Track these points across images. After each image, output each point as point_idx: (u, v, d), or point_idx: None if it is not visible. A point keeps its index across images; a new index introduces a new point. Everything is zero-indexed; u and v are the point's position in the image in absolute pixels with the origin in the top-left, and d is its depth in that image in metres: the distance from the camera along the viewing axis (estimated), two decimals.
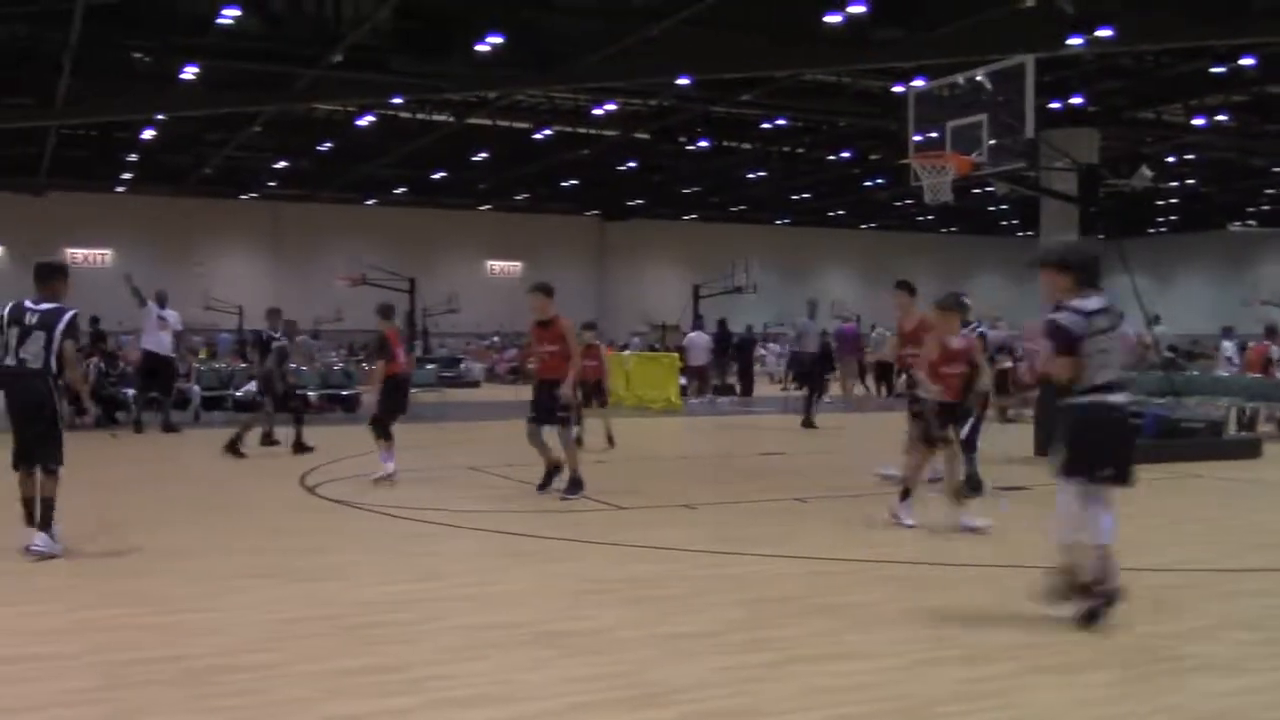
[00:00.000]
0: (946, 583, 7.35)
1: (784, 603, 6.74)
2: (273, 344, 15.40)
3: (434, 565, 7.89)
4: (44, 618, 6.34)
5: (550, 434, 10.97)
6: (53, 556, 7.76)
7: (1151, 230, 55.24)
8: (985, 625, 6.23)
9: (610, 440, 15.90)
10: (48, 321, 7.92)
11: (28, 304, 8.02)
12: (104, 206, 44.92)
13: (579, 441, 16.01)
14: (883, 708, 4.84)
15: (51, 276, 8.28)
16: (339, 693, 5.00)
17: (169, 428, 17.64)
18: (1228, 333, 26.21)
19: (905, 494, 9.53)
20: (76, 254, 44.97)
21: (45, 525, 7.88)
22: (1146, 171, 25.78)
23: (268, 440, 15.42)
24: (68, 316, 8.02)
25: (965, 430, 11.16)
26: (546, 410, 10.83)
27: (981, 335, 11.36)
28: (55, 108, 25.87)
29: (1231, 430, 17.17)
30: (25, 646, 5.74)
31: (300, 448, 14.73)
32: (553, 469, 11.06)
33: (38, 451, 7.93)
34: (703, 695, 4.98)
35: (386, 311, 13.00)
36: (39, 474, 7.94)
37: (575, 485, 10.87)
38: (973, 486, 11.11)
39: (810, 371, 20.96)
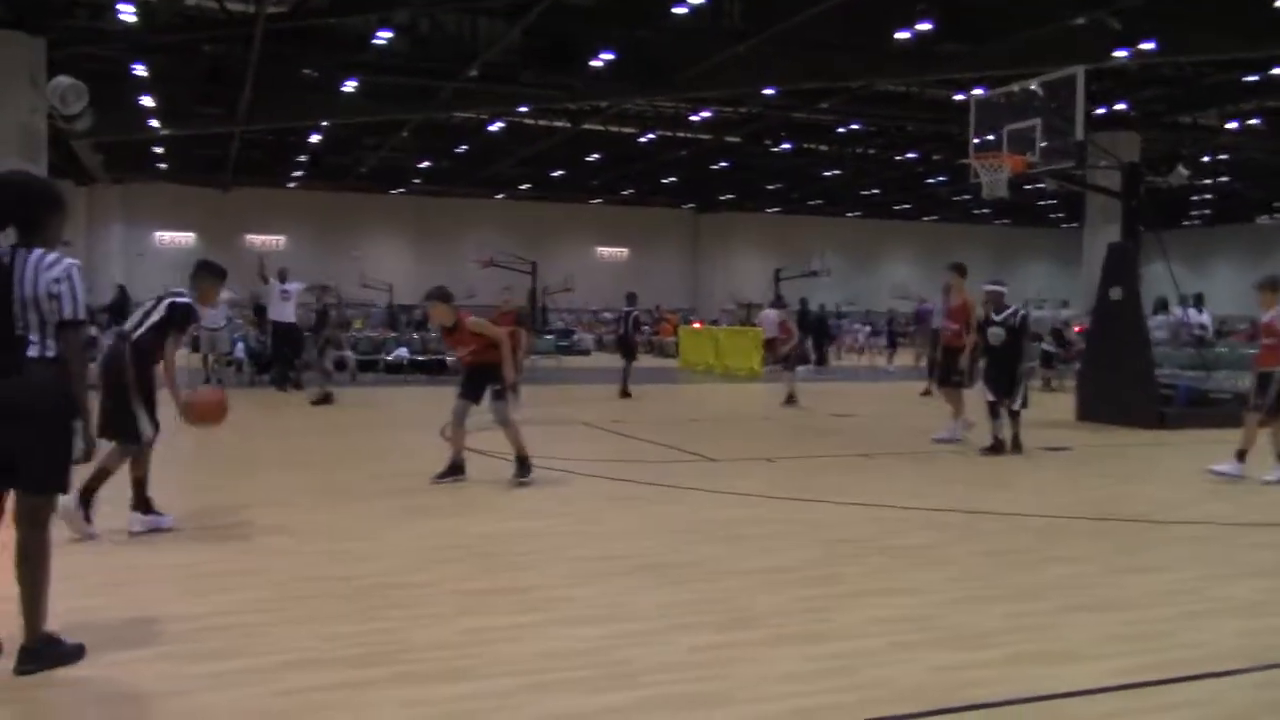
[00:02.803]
0: (994, 530, 7.26)
1: (852, 544, 6.72)
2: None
3: (552, 505, 8.00)
4: (234, 541, 6.60)
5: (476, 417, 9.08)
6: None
7: (1187, 223, 53.34)
8: (1027, 566, 6.15)
9: (792, 398, 16.21)
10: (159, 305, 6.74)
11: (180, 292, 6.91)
12: (278, 200, 45.96)
13: (792, 399, 16.22)
14: (937, 636, 4.81)
15: (196, 275, 7.13)
16: (475, 609, 5.13)
17: (295, 385, 17.68)
18: None
19: (1241, 454, 9.31)
20: (255, 240, 46.10)
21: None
22: (1183, 170, 24.94)
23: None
24: (166, 303, 6.72)
25: (1018, 398, 11.08)
26: (478, 388, 8.71)
27: (1024, 317, 11.23)
28: (239, 116, 26.54)
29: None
30: (223, 563, 5.99)
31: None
32: (455, 465, 8.79)
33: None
34: (783, 621, 5.01)
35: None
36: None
37: (524, 466, 8.78)
38: (1016, 446, 11.03)
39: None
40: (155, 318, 6.65)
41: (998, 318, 11.10)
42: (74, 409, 4.23)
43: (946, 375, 12.33)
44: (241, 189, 43.76)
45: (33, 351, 4.14)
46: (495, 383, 8.68)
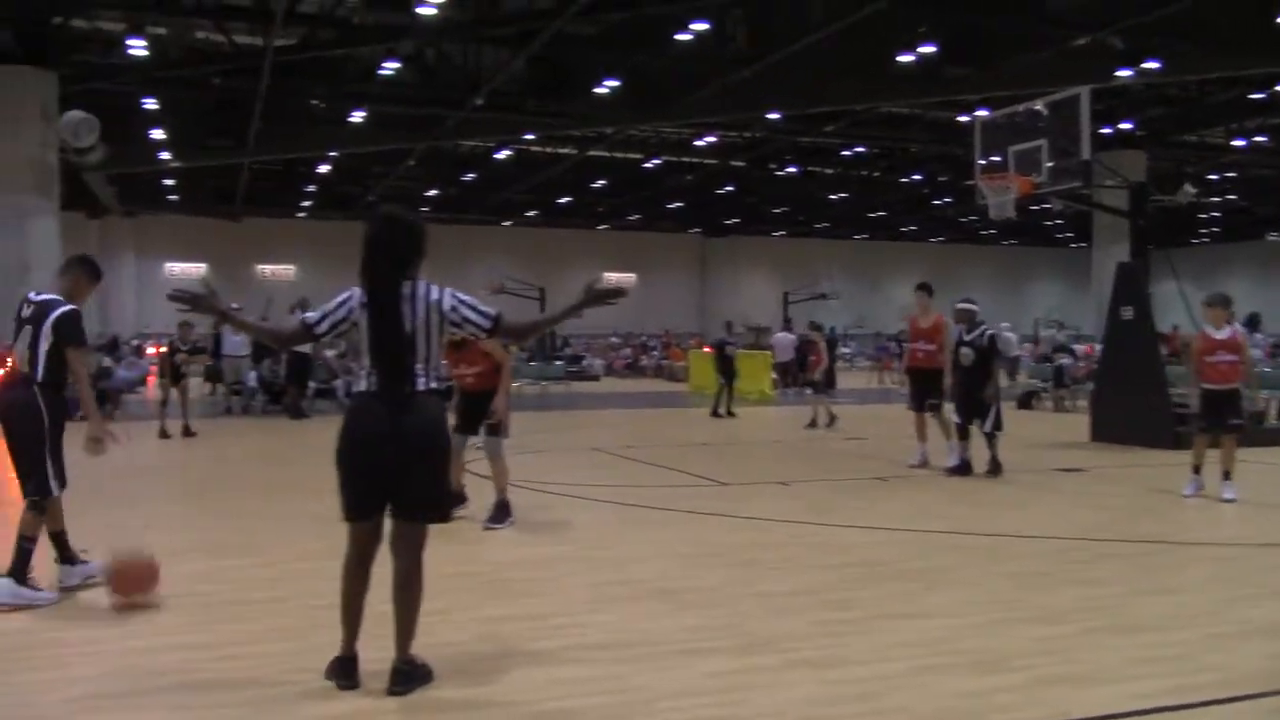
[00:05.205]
0: (1012, 552, 7.19)
1: (869, 567, 6.66)
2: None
3: (563, 531, 7.95)
4: (250, 570, 6.55)
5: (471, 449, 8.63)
6: (17, 608, 5.48)
7: (1196, 241, 53.26)
8: (1047, 589, 6.08)
9: (831, 420, 16.30)
10: (38, 315, 5.63)
11: (30, 295, 5.83)
12: (288, 229, 46.14)
13: (814, 424, 16.23)
14: (958, 660, 4.74)
15: (67, 269, 5.97)
16: (490, 637, 5.09)
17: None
18: None
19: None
20: (265, 270, 46.32)
21: (12, 569, 5.56)
22: (1189, 188, 24.83)
23: None
24: (60, 310, 5.61)
25: (989, 420, 10.74)
26: (474, 420, 8.23)
27: (991, 338, 10.92)
28: (248, 147, 26.69)
29: (1273, 420, 16.37)
30: (246, 590, 5.93)
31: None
32: (456, 495, 8.05)
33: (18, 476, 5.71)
34: (797, 645, 4.95)
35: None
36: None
37: (502, 511, 8.05)
38: (995, 469, 10.69)
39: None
40: (45, 345, 5.58)
41: (968, 338, 10.86)
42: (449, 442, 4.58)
43: (921, 400, 11.60)
44: (252, 219, 43.95)
45: (420, 384, 4.31)
46: (488, 414, 8.13)
